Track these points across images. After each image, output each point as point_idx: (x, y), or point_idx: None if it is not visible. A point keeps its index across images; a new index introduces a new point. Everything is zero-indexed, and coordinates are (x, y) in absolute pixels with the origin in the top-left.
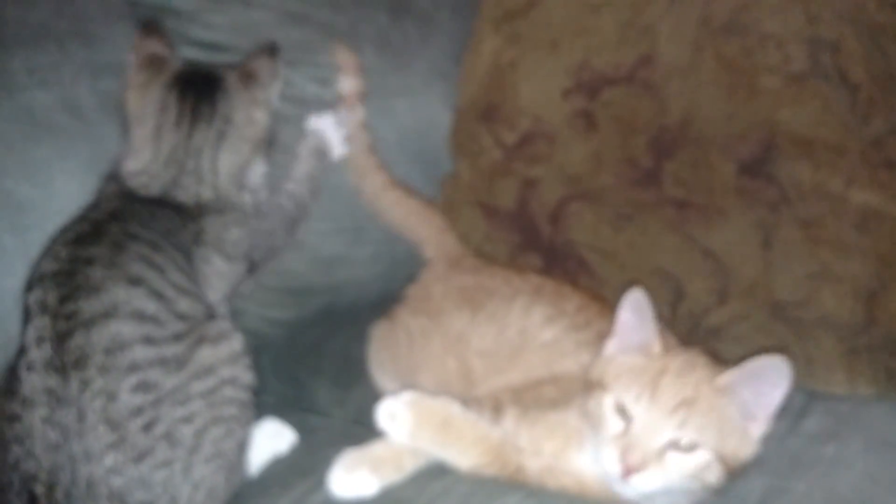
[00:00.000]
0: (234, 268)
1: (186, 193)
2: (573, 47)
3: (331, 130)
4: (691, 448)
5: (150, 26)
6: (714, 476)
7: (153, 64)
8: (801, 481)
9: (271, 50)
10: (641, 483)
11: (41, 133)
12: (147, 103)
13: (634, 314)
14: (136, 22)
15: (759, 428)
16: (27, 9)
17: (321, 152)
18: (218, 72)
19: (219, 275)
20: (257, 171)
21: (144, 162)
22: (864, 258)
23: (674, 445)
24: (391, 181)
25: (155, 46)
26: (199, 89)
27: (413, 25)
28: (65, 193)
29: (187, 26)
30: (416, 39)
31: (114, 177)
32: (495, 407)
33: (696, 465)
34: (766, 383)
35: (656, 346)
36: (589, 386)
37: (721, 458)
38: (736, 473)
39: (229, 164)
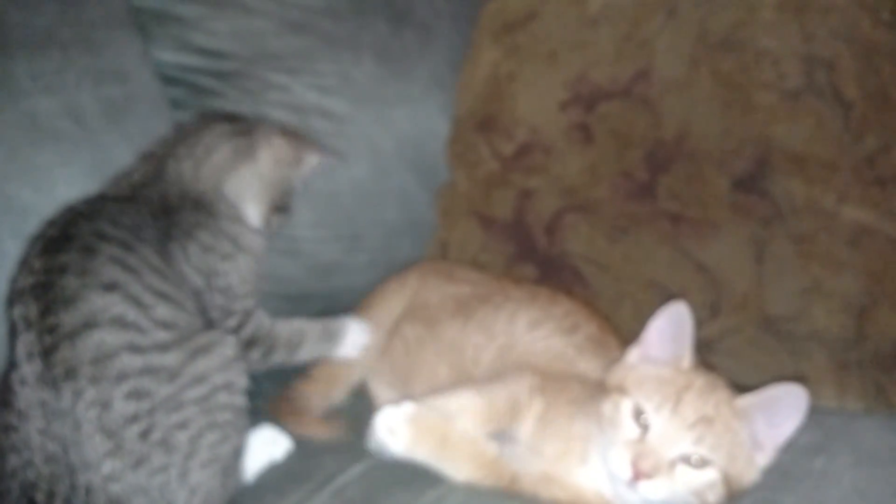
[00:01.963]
0: (194, 276)
1: (173, 171)
2: (571, 60)
3: (356, 343)
4: (701, 465)
5: (294, 133)
6: (715, 496)
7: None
8: (791, 494)
9: (329, 150)
10: (648, 490)
11: (44, 139)
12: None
13: (672, 326)
14: (138, 27)
15: (764, 457)
16: (31, 15)
17: (331, 340)
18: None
19: (187, 277)
20: (252, 210)
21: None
22: (855, 274)
23: (685, 460)
24: None
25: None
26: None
27: (413, 35)
28: (66, 199)
29: (189, 33)
30: (415, 49)
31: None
32: (527, 398)
33: (702, 482)
34: (780, 413)
35: (687, 362)
36: (606, 389)
37: (726, 480)
38: (734, 497)
39: (218, 162)
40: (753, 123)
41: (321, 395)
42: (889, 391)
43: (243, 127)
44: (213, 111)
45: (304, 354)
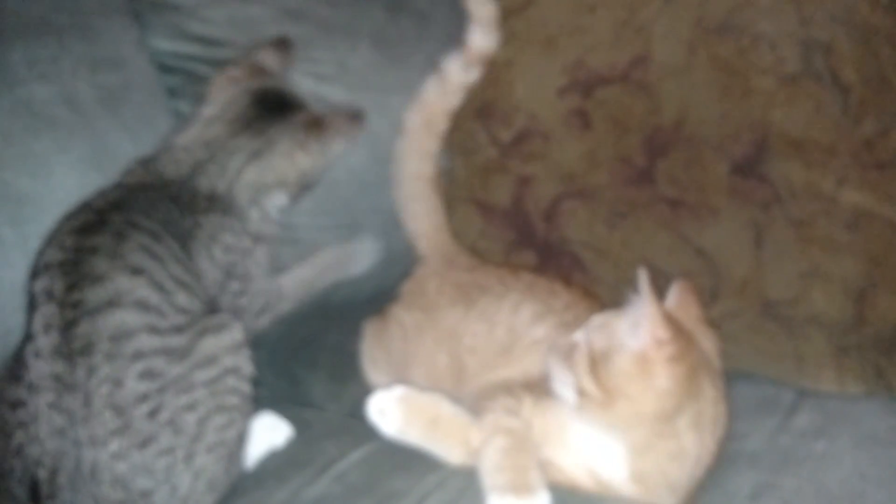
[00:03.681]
0: (213, 272)
1: (206, 181)
2: (568, 46)
3: (365, 252)
4: None
5: (283, 42)
6: None
7: (256, 72)
8: (791, 477)
9: (358, 115)
10: None
11: (40, 126)
12: (222, 93)
13: None
14: (134, 15)
15: None
16: (26, 2)
17: (343, 266)
18: (300, 104)
19: (203, 273)
20: (276, 202)
21: (189, 139)
22: (854, 258)
23: None
24: (433, 175)
25: (271, 60)
26: (269, 107)
27: (410, 21)
28: (63, 186)
29: (185, 21)
30: (412, 36)
31: (145, 161)
32: (513, 395)
33: None
34: None
35: None
36: None
37: None
38: None
39: (253, 177)
40: (752, 108)
41: None
42: (889, 374)
43: (263, 135)
44: (243, 102)
45: (319, 290)
